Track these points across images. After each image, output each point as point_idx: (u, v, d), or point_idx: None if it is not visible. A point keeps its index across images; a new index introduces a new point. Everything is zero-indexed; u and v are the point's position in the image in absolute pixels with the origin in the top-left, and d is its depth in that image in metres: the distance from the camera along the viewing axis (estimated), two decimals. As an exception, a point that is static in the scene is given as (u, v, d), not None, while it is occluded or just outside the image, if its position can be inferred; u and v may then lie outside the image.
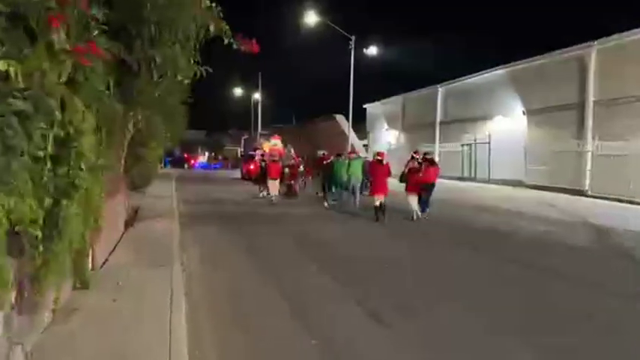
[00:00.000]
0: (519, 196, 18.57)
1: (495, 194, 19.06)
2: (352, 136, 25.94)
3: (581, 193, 19.69)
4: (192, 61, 5.04)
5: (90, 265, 6.39)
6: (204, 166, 58.09)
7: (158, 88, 4.91)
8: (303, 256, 7.93)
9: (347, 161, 14.91)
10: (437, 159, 32.39)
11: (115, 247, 7.88)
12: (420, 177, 12.09)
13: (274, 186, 16.26)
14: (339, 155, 16.26)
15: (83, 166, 3.32)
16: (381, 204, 11.73)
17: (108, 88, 4.00)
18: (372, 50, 48.46)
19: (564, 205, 15.51)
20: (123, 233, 9.14)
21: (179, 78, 4.92)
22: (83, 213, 4.16)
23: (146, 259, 7.02)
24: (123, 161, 9.19)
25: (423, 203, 12.31)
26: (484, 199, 17.24)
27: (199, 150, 67.18)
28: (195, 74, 5.14)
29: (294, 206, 15.34)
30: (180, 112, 12.92)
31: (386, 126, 38.79)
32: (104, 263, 6.81)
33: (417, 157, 12.59)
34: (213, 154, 64.54)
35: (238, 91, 50.42)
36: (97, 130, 4.64)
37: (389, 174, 12.33)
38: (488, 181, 24.53)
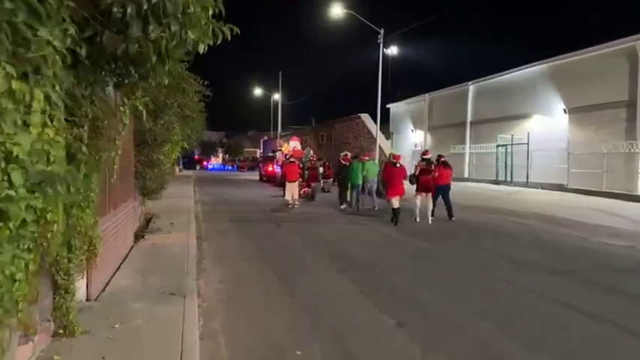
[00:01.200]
0: (566, 201, 16.86)
1: (540, 199, 17.38)
2: (379, 136, 24.30)
3: (632, 198, 17.87)
4: (210, 13, 3.32)
5: (85, 296, 5.20)
6: (218, 168, 57.15)
7: (163, 63, 3.30)
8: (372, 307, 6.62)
9: (361, 163, 15.13)
10: (467, 160, 31.10)
11: (119, 266, 6.68)
12: (431, 178, 12.15)
13: (294, 189, 14.92)
14: (355, 157, 16.14)
15: (19, 180, 2.05)
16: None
17: (75, 57, 2.70)
18: (393, 50, 47.45)
19: (623, 211, 13.81)
20: (132, 247, 7.96)
21: (191, 37, 3.10)
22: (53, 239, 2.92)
23: (155, 284, 5.78)
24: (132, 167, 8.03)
25: (448, 208, 12.57)
26: (531, 203, 15.60)
27: (219, 151, 66.54)
28: (214, 34, 3.47)
29: (316, 210, 14.06)
30: (196, 108, 11.76)
31: (411, 126, 37.21)
32: (104, 288, 5.60)
33: (427, 157, 12.60)
34: (227, 155, 63.71)
35: (258, 92, 49.35)
36: (74, 124, 3.40)
37: (405, 176, 12.37)
38: (527, 184, 22.77)
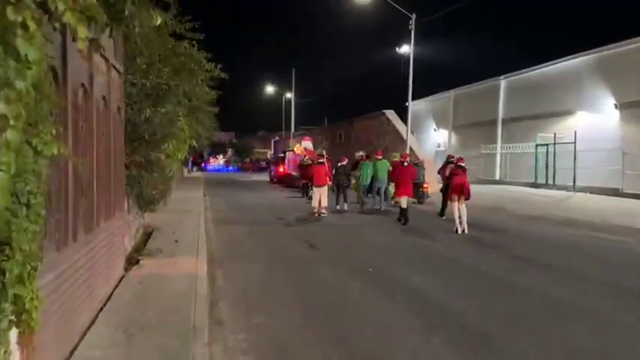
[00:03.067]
0: (638, 209, 14.45)
1: (604, 206, 14.94)
2: (406, 134, 21.70)
3: None
4: None
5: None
6: (218, 170, 55.48)
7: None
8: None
9: (371, 163, 14.92)
10: (498, 161, 28.71)
11: (96, 317, 4.53)
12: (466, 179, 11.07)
13: (322, 195, 12.69)
14: (367, 157, 15.82)
15: None
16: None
17: None
18: (405, 48, 45.02)
19: None
20: (121, 278, 5.82)
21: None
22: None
23: (145, 355, 3.64)
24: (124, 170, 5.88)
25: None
26: (601, 212, 13.21)
27: (229, 152, 64.91)
28: None
29: (348, 220, 11.86)
30: (206, 98, 9.67)
31: (434, 125, 34.90)
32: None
33: (462, 165, 11.37)
34: (228, 156, 62.27)
35: (269, 91, 47.28)
36: None
37: (414, 176, 12.33)
38: (574, 188, 20.34)
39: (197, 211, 12.78)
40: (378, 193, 14.50)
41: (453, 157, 12.43)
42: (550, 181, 22.28)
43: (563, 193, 20.01)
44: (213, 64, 8.73)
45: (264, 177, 37.49)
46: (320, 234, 10.18)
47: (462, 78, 30.22)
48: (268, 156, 58.09)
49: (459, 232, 10.22)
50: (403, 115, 23.69)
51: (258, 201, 17.41)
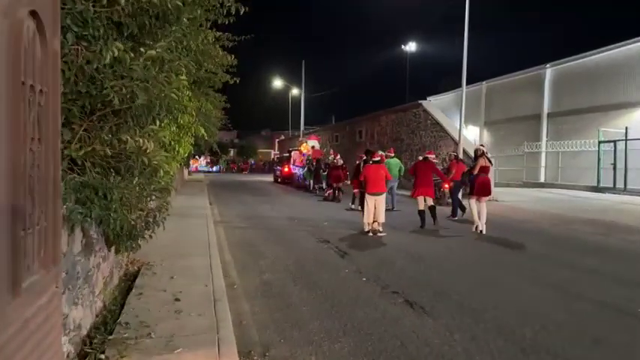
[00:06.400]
0: None
1: None
2: (459, 125, 17.65)
3: None
4: None
5: None
6: (208, 171, 52.73)
7: None
8: None
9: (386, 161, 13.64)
10: (543, 161, 25.30)
11: None
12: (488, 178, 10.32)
13: (379, 206, 9.23)
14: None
15: None
16: (430, 207, 10.47)
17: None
18: (411, 46, 41.80)
19: None
20: None
21: None
22: None
23: None
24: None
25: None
26: None
27: (231, 152, 61.78)
28: None
29: (419, 240, 8.37)
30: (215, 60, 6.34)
31: (450, 122, 31.37)
32: None
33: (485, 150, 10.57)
34: (210, 157, 59.56)
35: (276, 85, 43.71)
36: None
37: (434, 172, 11.02)
38: (654, 193, 16.91)
39: (204, 229, 9.30)
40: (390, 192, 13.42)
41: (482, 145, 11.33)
42: (619, 185, 18.79)
43: (622, 197, 16.62)
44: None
45: (258, 177, 37.23)
46: (395, 272, 6.60)
47: (493, 70, 26.50)
48: (272, 156, 55.16)
49: (479, 231, 9.73)
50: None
51: (282, 213, 13.90)
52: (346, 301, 5.15)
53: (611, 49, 21.00)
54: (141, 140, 3.26)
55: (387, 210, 9.92)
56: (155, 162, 3.49)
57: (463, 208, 12.30)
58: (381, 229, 9.16)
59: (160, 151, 3.52)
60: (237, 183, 30.56)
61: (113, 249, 4.35)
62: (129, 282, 5.37)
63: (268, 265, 6.82)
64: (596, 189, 19.58)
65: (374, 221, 9.15)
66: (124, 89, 3.18)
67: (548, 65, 24.22)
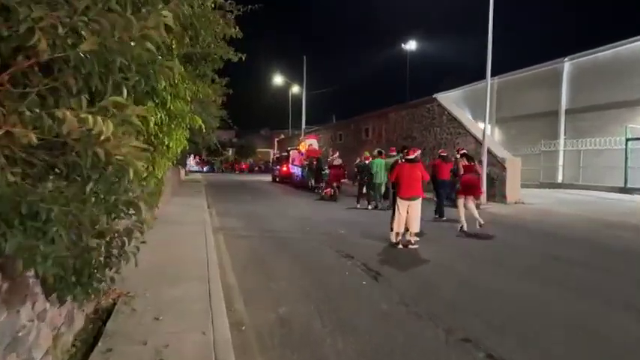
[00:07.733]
0: None
1: None
2: (485, 121, 15.75)
3: None
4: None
5: None
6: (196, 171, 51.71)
7: None
8: None
9: (374, 161, 13.78)
10: (561, 160, 23.95)
11: None
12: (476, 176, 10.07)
13: (413, 212, 7.79)
14: (379, 154, 14.33)
15: None
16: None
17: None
18: (412, 45, 40.24)
19: None
20: None
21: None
22: None
23: None
24: None
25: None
26: None
27: (230, 151, 60.30)
28: None
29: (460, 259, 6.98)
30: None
31: (470, 118, 30.00)
32: None
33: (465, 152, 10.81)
34: (197, 158, 58.62)
35: (274, 87, 42.22)
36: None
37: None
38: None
39: (201, 239, 7.88)
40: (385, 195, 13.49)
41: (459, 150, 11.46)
42: (648, 186, 17.46)
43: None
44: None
45: (256, 177, 36.47)
46: (445, 302, 5.22)
47: (503, 66, 24.82)
48: (272, 156, 53.81)
49: (477, 226, 9.25)
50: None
51: (286, 215, 12.47)
52: (401, 353, 3.71)
53: (633, 42, 19.67)
54: (90, 118, 1.84)
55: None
56: (120, 157, 2.08)
57: (442, 214, 11.67)
58: (415, 240, 7.72)
59: (130, 140, 2.09)
60: (236, 183, 29.15)
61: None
62: (100, 321, 3.96)
63: (283, 291, 5.37)
64: (623, 190, 18.23)
65: (406, 230, 7.72)
66: (58, 26, 1.76)
67: (566, 59, 22.85)
